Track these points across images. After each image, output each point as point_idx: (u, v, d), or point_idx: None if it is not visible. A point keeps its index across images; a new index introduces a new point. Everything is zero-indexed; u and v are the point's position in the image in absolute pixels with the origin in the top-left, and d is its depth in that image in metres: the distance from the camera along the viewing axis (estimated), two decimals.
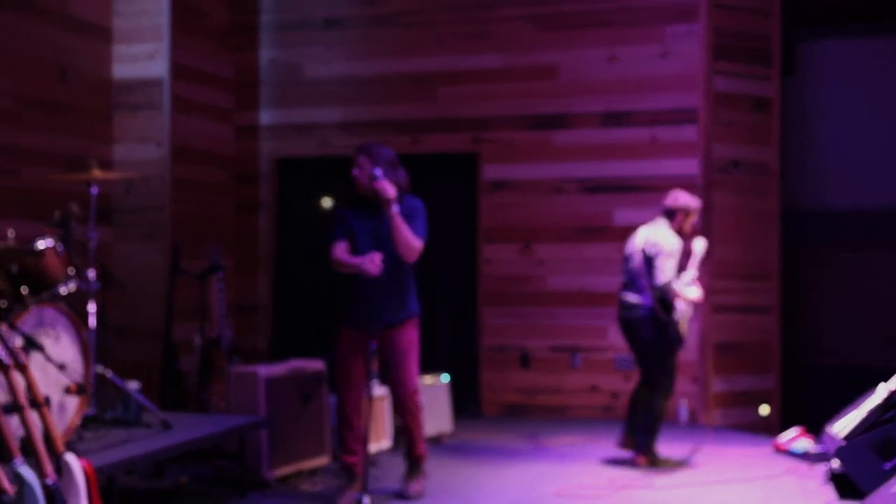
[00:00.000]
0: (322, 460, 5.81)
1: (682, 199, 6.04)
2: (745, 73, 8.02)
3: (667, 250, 5.85)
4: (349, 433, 5.16)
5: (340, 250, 5.17)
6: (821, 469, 5.47)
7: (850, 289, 10.51)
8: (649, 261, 5.88)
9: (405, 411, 5.32)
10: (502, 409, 8.23)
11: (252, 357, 8.06)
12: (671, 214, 6.03)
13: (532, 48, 8.12)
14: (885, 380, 10.02)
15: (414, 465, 5.37)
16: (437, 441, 6.89)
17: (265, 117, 8.71)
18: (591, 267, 8.06)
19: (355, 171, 5.13)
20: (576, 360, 8.04)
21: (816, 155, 10.58)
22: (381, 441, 6.50)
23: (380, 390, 6.62)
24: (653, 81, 7.89)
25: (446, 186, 8.43)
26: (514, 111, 8.19)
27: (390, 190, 5.00)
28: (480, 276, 8.29)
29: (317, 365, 5.89)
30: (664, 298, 5.85)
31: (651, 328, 5.95)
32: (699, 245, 6.08)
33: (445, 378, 7.17)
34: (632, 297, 6.02)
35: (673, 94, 7.85)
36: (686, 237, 6.03)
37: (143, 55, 7.54)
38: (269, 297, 8.75)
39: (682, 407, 7.65)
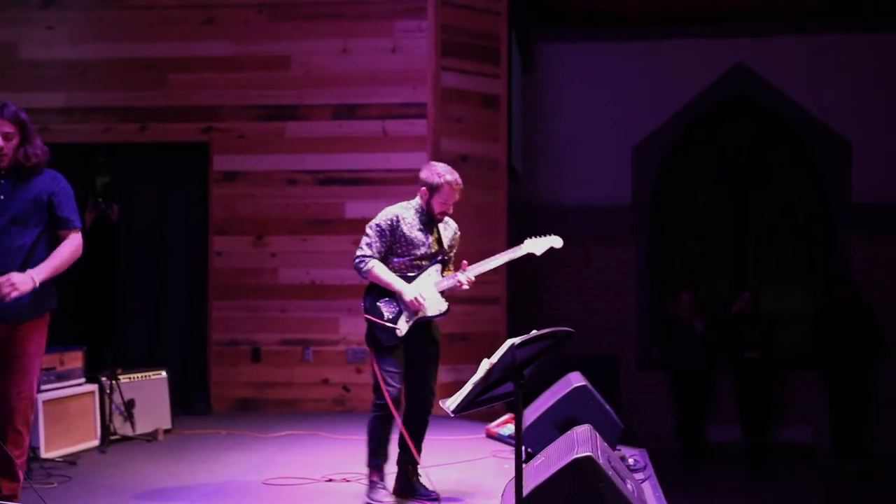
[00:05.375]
0: None
1: (424, 172, 5.05)
2: (474, 71, 8.23)
3: (375, 223, 4.95)
4: None
5: None
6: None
7: (582, 282, 11.08)
8: None
9: (15, 425, 4.21)
10: (233, 404, 8.08)
11: None
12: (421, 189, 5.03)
13: (263, 38, 8.02)
14: (614, 366, 10.61)
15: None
16: (152, 438, 6.67)
17: None
18: (322, 259, 8.05)
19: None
20: (307, 353, 8.01)
21: (552, 152, 11.12)
22: (85, 440, 6.24)
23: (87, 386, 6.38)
24: (384, 75, 7.96)
25: (176, 177, 8.22)
26: (246, 101, 8.06)
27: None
28: (211, 269, 8.11)
29: None
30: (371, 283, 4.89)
31: (367, 323, 4.93)
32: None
33: (163, 373, 6.97)
34: None
35: (403, 88, 7.96)
36: (436, 219, 5.05)
37: None
38: None
39: None
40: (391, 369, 4.85)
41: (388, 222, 4.96)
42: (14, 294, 3.99)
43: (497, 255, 5.11)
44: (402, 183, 7.98)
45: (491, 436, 6.62)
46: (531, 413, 5.72)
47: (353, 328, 8.00)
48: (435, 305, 4.98)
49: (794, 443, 10.76)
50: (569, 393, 5.37)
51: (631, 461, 5.62)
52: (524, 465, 3.72)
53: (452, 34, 8.06)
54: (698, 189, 11.49)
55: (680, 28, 10.90)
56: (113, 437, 6.45)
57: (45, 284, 4.16)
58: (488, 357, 3.37)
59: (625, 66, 10.97)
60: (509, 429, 6.43)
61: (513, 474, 4.10)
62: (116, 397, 6.54)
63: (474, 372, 8.37)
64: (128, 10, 8.06)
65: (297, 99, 8.03)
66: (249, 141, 8.06)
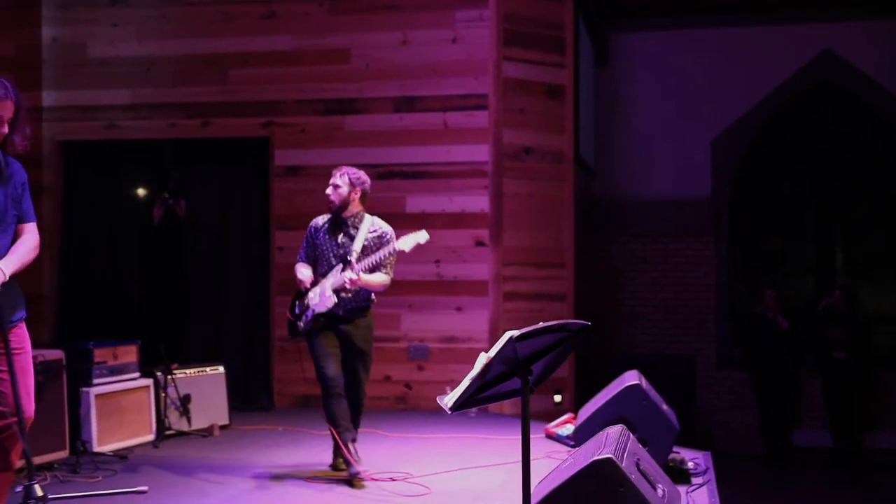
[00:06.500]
0: (59, 454, 5.49)
1: None
2: (538, 61, 7.99)
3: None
4: None
5: None
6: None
7: (659, 279, 10.72)
8: None
9: (14, 442, 3.81)
10: (296, 400, 8.02)
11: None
12: None
13: (323, 31, 7.95)
14: (691, 365, 10.22)
15: None
16: (208, 433, 6.65)
17: (48, 98, 8.30)
18: None
19: None
20: None
21: (629, 146, 10.79)
22: (140, 435, 6.25)
23: (142, 381, 6.39)
24: (444, 66, 7.81)
25: (237, 172, 8.22)
26: (306, 95, 8.01)
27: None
28: (273, 265, 8.07)
29: (55, 354, 5.56)
30: None
31: None
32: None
33: (220, 368, 6.95)
34: None
35: (464, 79, 7.78)
36: (340, 217, 5.40)
37: None
38: (54, 285, 8.34)
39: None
40: (317, 354, 5.32)
41: (309, 230, 5.49)
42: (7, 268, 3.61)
43: (374, 255, 5.30)
44: (463, 176, 7.82)
45: (550, 436, 6.39)
46: (585, 412, 5.49)
47: (414, 325, 7.88)
48: (323, 302, 5.29)
49: (888, 449, 10.20)
50: (621, 392, 5.11)
51: (690, 464, 5.34)
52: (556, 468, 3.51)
53: (515, 23, 7.84)
54: (781, 182, 10.99)
55: (762, 13, 10.44)
56: (168, 433, 6.44)
57: (16, 288, 3.78)
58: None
59: (702, 56, 10.57)
60: (568, 429, 6.20)
61: (547, 476, 3.90)
62: (172, 392, 6.52)
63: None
64: (190, 7, 8.09)
65: (358, 92, 7.93)
66: (310, 135, 7.99)
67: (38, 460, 5.32)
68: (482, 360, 2.80)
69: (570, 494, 2.98)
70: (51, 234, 8.31)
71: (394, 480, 5.24)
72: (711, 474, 5.29)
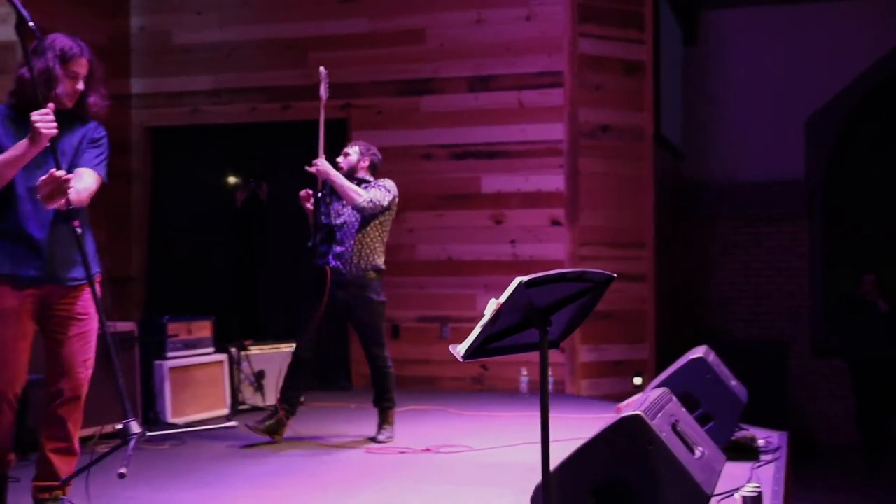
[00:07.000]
0: None
1: None
2: (615, 37, 7.84)
3: None
4: None
5: None
6: None
7: (751, 263, 10.41)
8: None
9: (74, 405, 3.86)
10: None
11: None
12: None
13: (399, 12, 7.97)
14: (784, 352, 9.89)
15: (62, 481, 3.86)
16: None
17: (136, 86, 8.55)
18: (459, 235, 7.90)
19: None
20: (445, 330, 7.89)
21: (720, 126, 10.50)
22: (214, 408, 6.37)
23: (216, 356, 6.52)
24: (519, 44, 7.73)
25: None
26: (383, 76, 8.04)
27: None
28: None
29: (127, 325, 5.72)
30: None
31: None
32: None
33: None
34: None
35: (539, 57, 7.69)
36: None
37: None
38: (142, 268, 8.59)
39: (523, 378, 7.50)
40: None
41: None
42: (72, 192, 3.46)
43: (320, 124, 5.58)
44: (539, 155, 7.73)
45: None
46: (650, 387, 5.35)
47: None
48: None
49: None
50: (684, 365, 4.95)
51: (761, 442, 5.15)
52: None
53: None
54: (879, 163, 10.51)
55: None
56: (242, 407, 6.55)
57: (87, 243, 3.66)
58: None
59: (796, 32, 10.20)
60: None
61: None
62: (246, 367, 6.64)
63: (617, 352, 8.02)
64: None
65: (433, 72, 7.92)
66: (386, 116, 8.03)
67: (108, 430, 5.49)
68: (492, 306, 2.74)
69: (598, 451, 2.90)
70: (139, 219, 8.58)
71: (448, 453, 5.21)
72: (783, 453, 5.09)
